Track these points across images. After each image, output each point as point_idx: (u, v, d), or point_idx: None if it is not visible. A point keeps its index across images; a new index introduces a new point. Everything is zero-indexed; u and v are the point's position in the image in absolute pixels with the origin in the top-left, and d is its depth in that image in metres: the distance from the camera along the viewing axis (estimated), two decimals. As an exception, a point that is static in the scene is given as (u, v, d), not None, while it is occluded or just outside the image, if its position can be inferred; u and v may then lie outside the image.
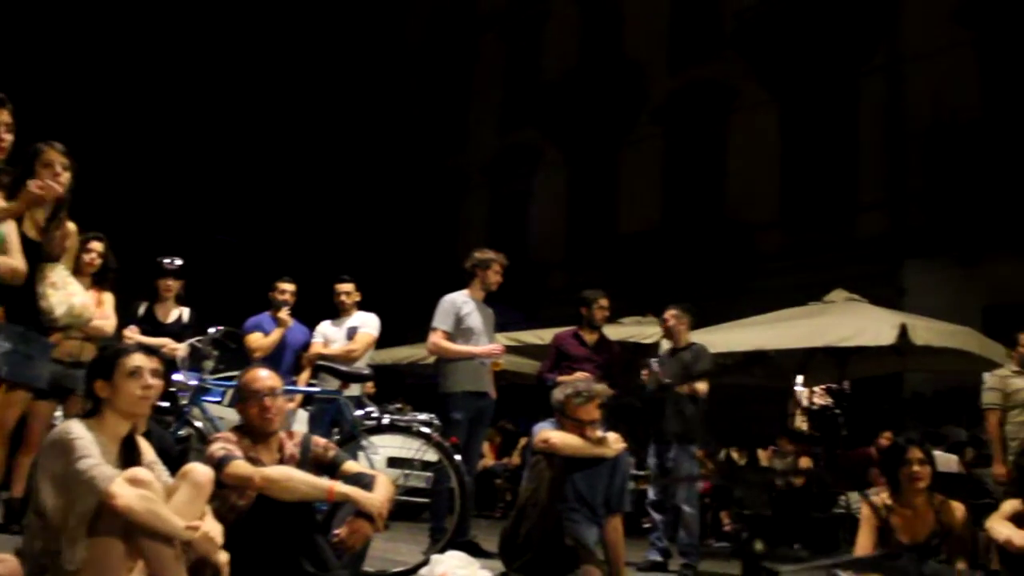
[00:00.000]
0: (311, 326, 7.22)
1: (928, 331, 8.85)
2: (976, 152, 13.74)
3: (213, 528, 3.01)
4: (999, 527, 4.60)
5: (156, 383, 3.22)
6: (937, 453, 7.41)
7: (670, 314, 7.04)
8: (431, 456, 5.39)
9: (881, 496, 4.90)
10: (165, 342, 5.85)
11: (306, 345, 7.07)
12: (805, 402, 15.58)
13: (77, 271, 4.88)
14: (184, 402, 5.28)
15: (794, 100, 16.84)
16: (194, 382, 5.36)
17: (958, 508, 4.74)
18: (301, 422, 6.93)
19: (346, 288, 7.14)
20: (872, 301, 9.91)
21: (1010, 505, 4.74)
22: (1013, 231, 12.83)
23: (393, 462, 6.51)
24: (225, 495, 3.47)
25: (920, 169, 14.51)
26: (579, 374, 6.21)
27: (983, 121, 13.92)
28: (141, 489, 2.86)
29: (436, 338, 6.36)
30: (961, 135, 13.92)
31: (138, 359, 3.21)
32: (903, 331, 8.43)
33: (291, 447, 3.81)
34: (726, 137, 17.85)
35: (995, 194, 13.27)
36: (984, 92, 14.18)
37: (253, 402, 3.73)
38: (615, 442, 4.58)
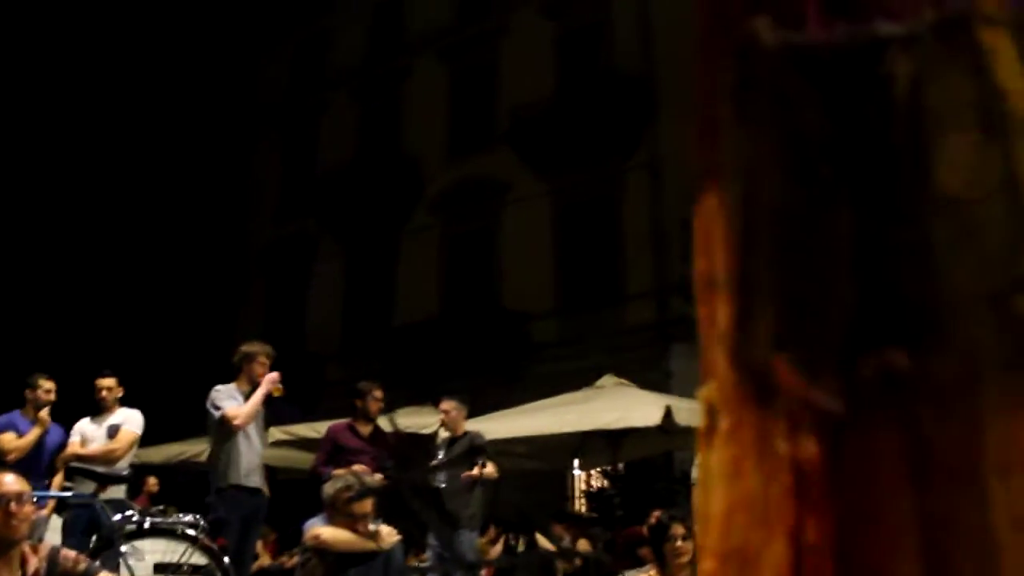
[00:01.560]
0: (68, 424, 6.75)
1: (691, 412, 9.35)
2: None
3: None
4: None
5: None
6: (701, 529, 7.78)
7: (448, 406, 7.13)
8: (200, 559, 5.14)
9: (650, 573, 5.09)
10: None
11: (61, 446, 6.60)
12: (582, 484, 15.99)
13: None
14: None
15: (565, 194, 17.66)
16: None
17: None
18: (54, 531, 6.43)
19: (107, 383, 6.74)
20: (642, 385, 10.43)
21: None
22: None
23: (159, 568, 6.14)
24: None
25: (680, 260, 15.48)
26: (356, 467, 6.13)
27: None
28: None
29: (234, 411, 6.04)
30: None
31: None
32: (668, 412, 8.91)
33: (35, 562, 3.52)
34: (501, 228, 18.44)
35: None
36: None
37: None
38: (388, 535, 4.54)
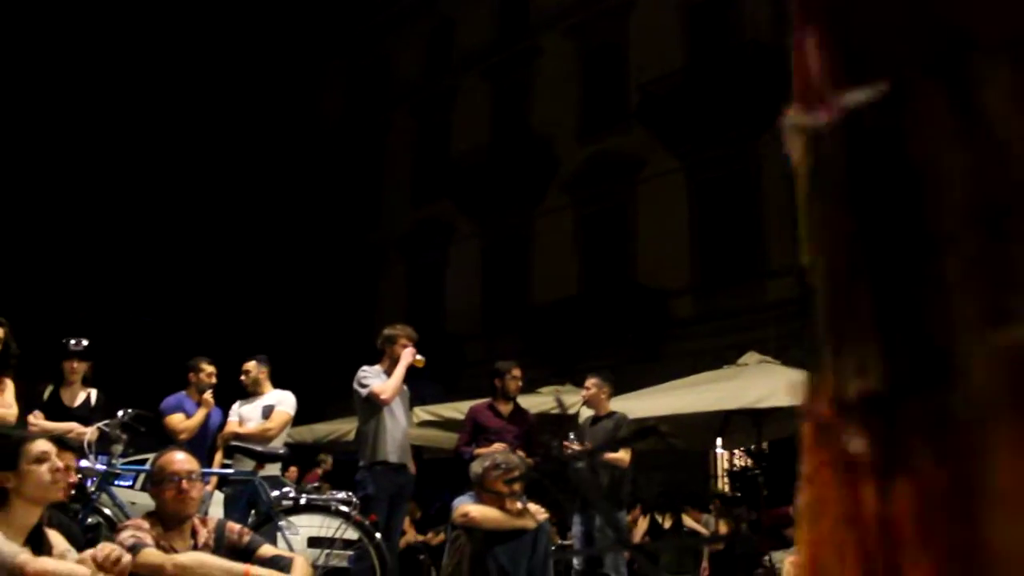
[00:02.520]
0: (227, 406, 7.06)
1: (838, 390, 9.08)
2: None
3: None
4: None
5: (64, 468, 3.14)
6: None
7: (591, 383, 7.08)
8: (352, 534, 5.30)
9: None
10: (72, 427, 5.65)
11: (221, 425, 6.90)
12: (725, 464, 15.76)
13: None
14: (92, 489, 5.11)
15: (700, 169, 17.36)
16: (101, 467, 5.19)
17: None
18: (217, 505, 6.74)
19: (246, 367, 7.01)
20: (785, 363, 10.15)
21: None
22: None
23: (313, 542, 6.36)
24: (136, 585, 3.37)
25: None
26: (496, 446, 6.19)
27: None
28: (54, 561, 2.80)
29: (379, 387, 6.20)
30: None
31: (43, 445, 3.13)
32: (814, 390, 8.65)
33: (205, 534, 3.71)
34: (635, 206, 18.27)
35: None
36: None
37: (169, 486, 3.64)
38: (536, 513, 4.57)
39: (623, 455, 6.74)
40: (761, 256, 16.26)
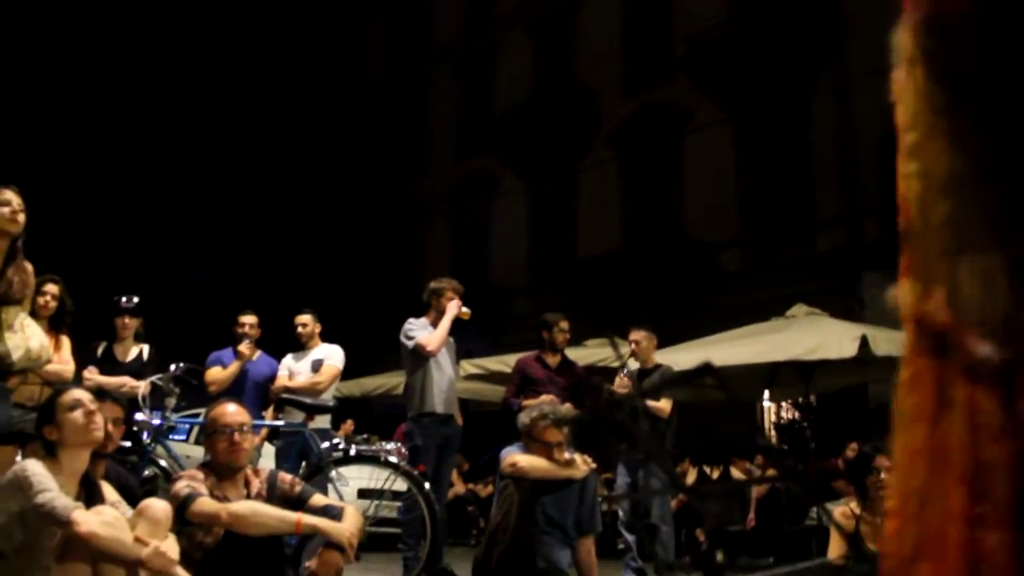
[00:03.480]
0: (280, 358, 7.14)
1: (888, 341, 8.95)
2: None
3: (166, 545, 2.97)
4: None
5: (97, 409, 3.21)
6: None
7: (638, 336, 7.06)
8: (401, 486, 5.36)
9: (850, 505, 4.95)
10: (125, 381, 5.77)
11: (272, 378, 6.98)
12: (773, 416, 15.69)
13: (32, 315, 4.82)
14: (147, 441, 5.21)
15: (747, 120, 17.08)
16: (156, 421, 5.29)
17: (925, 513, 4.81)
18: (268, 457, 6.85)
19: (303, 320, 7.07)
20: (833, 314, 10.03)
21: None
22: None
23: (363, 493, 6.47)
24: (191, 533, 3.44)
25: (873, 184, 14.75)
26: (544, 397, 6.21)
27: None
28: (103, 517, 2.85)
29: (425, 339, 6.24)
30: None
31: (75, 393, 3.23)
32: (864, 342, 8.55)
33: (257, 484, 3.78)
34: (682, 158, 18.06)
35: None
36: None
37: (222, 437, 3.70)
38: (583, 463, 4.58)
39: (664, 404, 6.73)
40: (809, 207, 16.04)
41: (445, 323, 6.27)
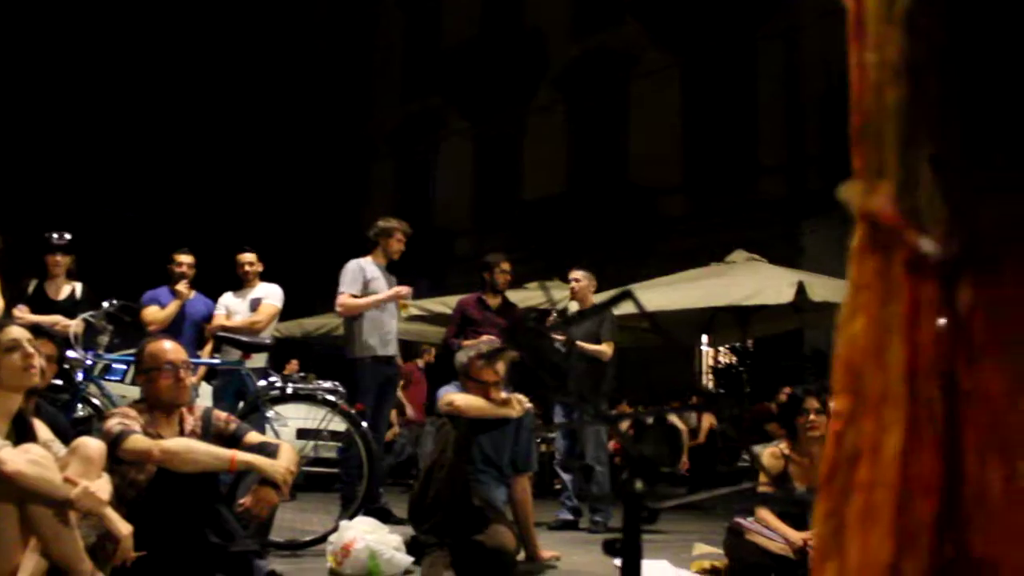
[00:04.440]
0: (215, 298, 7.06)
1: (824, 288, 9.11)
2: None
3: (99, 484, 2.94)
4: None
5: (36, 353, 3.13)
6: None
7: (577, 275, 7.11)
8: (339, 425, 5.37)
9: (780, 446, 5.08)
10: (57, 319, 5.66)
11: (208, 317, 6.90)
12: (710, 361, 15.96)
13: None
14: (80, 380, 5.14)
15: (695, 66, 17.09)
16: (89, 360, 5.21)
17: (851, 455, 4.95)
18: (205, 397, 6.79)
19: (248, 258, 6.99)
20: (772, 261, 10.16)
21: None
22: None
23: (302, 434, 6.47)
24: (124, 471, 3.40)
25: (817, 133, 14.91)
26: (484, 338, 6.24)
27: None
28: (30, 456, 2.80)
29: (343, 299, 6.33)
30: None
31: (14, 331, 3.12)
32: (800, 288, 8.68)
33: (192, 421, 3.74)
34: (628, 103, 18.05)
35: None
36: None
37: (166, 374, 3.65)
38: (519, 403, 4.62)
39: (605, 348, 6.80)
40: (752, 155, 16.16)
41: (375, 299, 6.30)
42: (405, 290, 6.46)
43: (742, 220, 14.78)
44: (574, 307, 7.39)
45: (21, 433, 3.07)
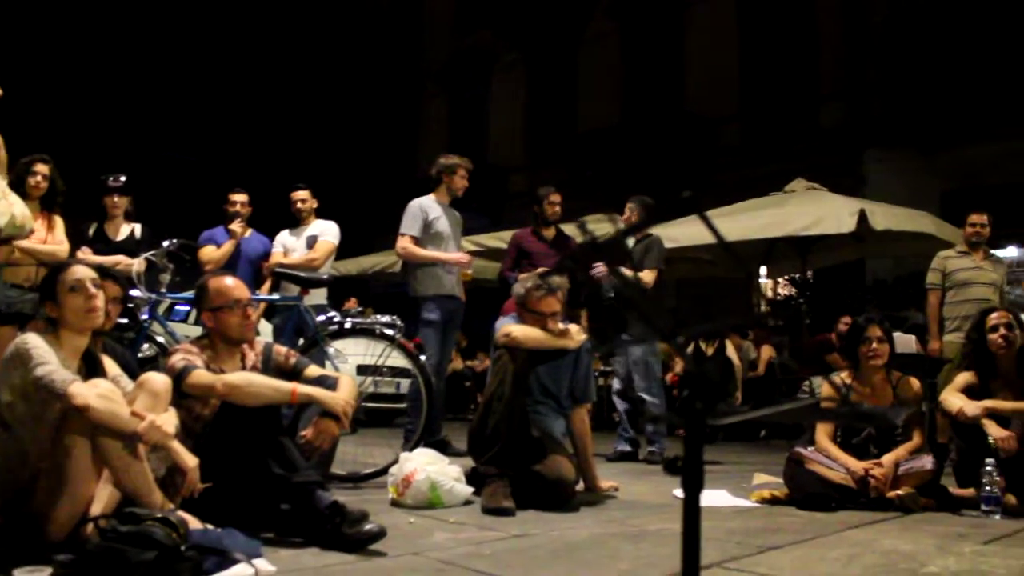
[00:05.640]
0: (272, 236, 7.13)
1: (886, 216, 8.90)
2: (931, 42, 13.70)
3: (165, 418, 2.99)
4: (952, 398, 4.72)
5: (99, 293, 3.16)
6: (896, 334, 7.56)
7: (629, 207, 7.05)
8: (399, 360, 5.41)
9: (841, 376, 5.02)
10: (119, 259, 5.77)
11: (265, 255, 6.98)
12: (769, 292, 15.77)
13: (24, 195, 4.78)
14: (144, 319, 5.23)
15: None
16: (152, 296, 5.30)
17: (914, 384, 4.87)
18: (265, 334, 6.89)
19: (301, 195, 7.04)
20: (832, 190, 9.93)
21: (962, 378, 4.85)
22: (969, 119, 12.89)
23: (362, 370, 6.52)
24: (189, 405, 3.47)
25: (878, 60, 14.45)
26: (540, 270, 6.22)
27: (935, 10, 13.85)
28: (99, 389, 2.85)
29: (404, 243, 6.39)
30: (915, 25, 13.87)
31: (78, 272, 3.14)
32: (862, 217, 8.48)
33: (252, 357, 3.79)
34: (684, 31, 17.64)
35: (950, 84, 13.28)
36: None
37: (235, 311, 3.69)
38: (577, 334, 4.60)
39: (646, 275, 6.74)
40: (813, 82, 15.73)
41: (436, 256, 6.37)
42: (466, 258, 6.51)
43: (802, 149, 14.46)
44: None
45: (91, 369, 3.14)
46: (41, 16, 21.47)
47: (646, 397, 6.73)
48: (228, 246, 6.79)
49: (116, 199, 6.22)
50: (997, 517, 4.20)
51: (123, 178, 6.26)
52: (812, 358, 9.97)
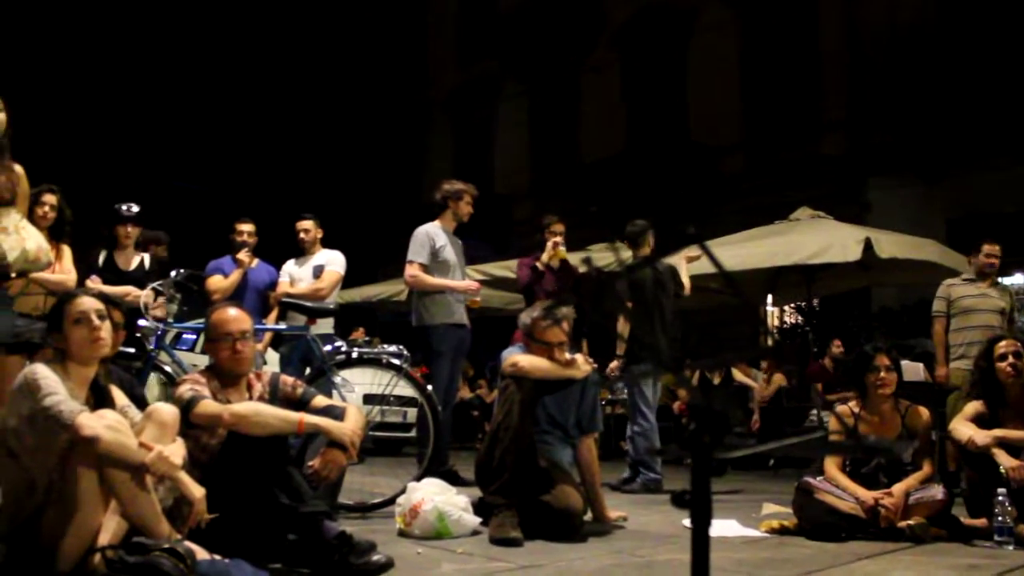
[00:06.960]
0: (278, 266, 7.15)
1: (892, 244, 8.90)
2: (934, 70, 13.77)
3: (173, 449, 2.99)
4: (961, 428, 4.69)
5: (103, 324, 3.16)
6: (904, 363, 7.55)
7: (633, 226, 7.16)
8: (405, 390, 5.39)
9: (849, 404, 4.99)
10: (128, 290, 5.78)
11: (272, 285, 7.00)
12: (775, 320, 15.75)
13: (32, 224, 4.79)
14: (151, 348, 5.23)
15: (753, 20, 16.70)
16: (159, 327, 5.30)
17: (923, 413, 4.84)
18: (272, 364, 6.90)
19: (305, 225, 7.07)
20: (836, 219, 9.94)
21: (972, 407, 4.82)
22: (972, 146, 12.92)
23: (369, 399, 6.51)
24: (196, 435, 3.47)
25: (881, 88, 14.51)
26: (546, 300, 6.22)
27: (938, 38, 13.93)
28: (106, 420, 2.85)
29: (414, 271, 6.34)
30: (918, 53, 13.95)
31: (82, 303, 3.16)
32: (868, 245, 8.48)
33: (260, 387, 3.80)
34: (686, 60, 17.73)
35: (953, 111, 13.33)
36: (939, 6, 14.16)
37: (224, 343, 3.70)
38: (583, 364, 4.59)
39: (687, 281, 7.12)
40: (815, 110, 15.78)
41: (445, 284, 6.35)
42: (475, 286, 6.50)
43: (805, 177, 14.47)
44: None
45: (99, 399, 3.14)
46: (50, 46, 21.66)
47: (636, 426, 6.80)
48: (235, 276, 6.81)
49: (129, 229, 6.26)
50: (1010, 548, 4.17)
51: (136, 208, 6.30)
52: (806, 390, 9.96)
